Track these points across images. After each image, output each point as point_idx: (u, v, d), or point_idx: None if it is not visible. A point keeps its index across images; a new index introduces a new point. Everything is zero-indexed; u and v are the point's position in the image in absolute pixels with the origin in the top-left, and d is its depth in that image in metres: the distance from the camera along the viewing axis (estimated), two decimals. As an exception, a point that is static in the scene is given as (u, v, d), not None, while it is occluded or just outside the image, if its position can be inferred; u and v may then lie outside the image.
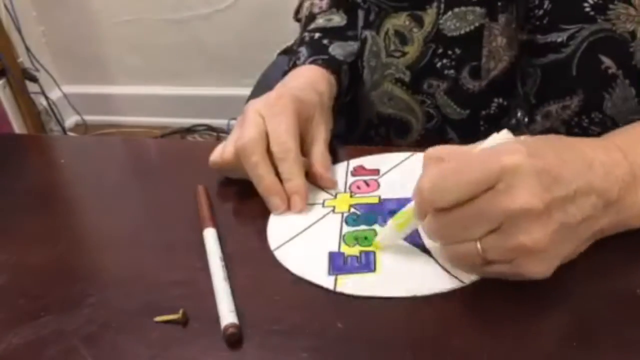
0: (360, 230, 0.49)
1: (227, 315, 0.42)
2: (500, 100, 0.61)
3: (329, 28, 0.72)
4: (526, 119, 0.61)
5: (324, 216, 0.51)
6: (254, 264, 0.47)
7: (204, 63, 2.16)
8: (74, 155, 0.70)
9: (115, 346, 0.42)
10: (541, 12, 0.56)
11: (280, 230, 0.51)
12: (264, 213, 0.53)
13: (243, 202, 0.56)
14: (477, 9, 0.58)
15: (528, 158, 0.38)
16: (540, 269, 0.40)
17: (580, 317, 0.40)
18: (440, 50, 0.61)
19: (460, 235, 0.40)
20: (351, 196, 0.53)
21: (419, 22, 0.62)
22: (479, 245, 0.39)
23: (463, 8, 0.58)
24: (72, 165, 0.68)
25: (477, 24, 0.58)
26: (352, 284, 0.44)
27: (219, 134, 2.19)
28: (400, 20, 0.63)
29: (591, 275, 0.42)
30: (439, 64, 0.62)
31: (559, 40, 0.55)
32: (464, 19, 0.59)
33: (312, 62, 0.66)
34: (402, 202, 0.48)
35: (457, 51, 0.60)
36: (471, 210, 0.39)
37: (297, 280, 0.46)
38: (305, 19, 0.77)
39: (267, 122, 0.54)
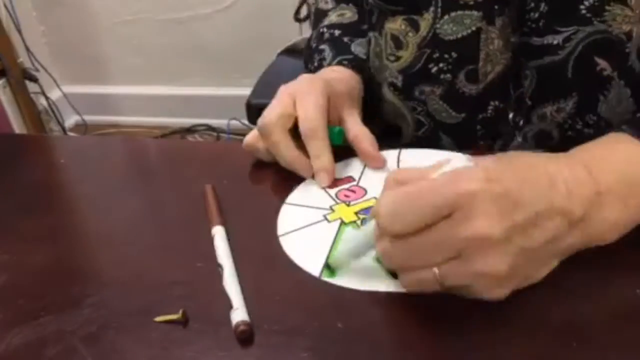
0: None
1: (239, 312, 0.42)
2: (497, 103, 0.61)
3: (345, 24, 0.72)
4: (521, 122, 0.61)
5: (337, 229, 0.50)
6: (253, 264, 0.47)
7: (204, 63, 2.16)
8: (74, 155, 0.70)
9: (115, 346, 0.42)
10: (537, 14, 0.56)
11: (289, 220, 0.51)
12: (264, 213, 0.53)
13: (243, 202, 0.56)
14: (474, 12, 0.58)
15: (486, 183, 0.37)
16: (497, 293, 0.40)
17: (580, 317, 0.40)
18: (436, 55, 0.61)
19: (417, 262, 0.39)
20: (348, 205, 0.53)
21: (415, 26, 0.62)
22: (436, 272, 0.39)
23: (460, 12, 0.59)
24: (72, 165, 0.68)
25: (474, 28, 0.59)
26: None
27: (219, 134, 2.19)
28: (396, 24, 0.63)
29: (591, 275, 0.42)
30: (434, 69, 0.62)
31: (555, 42, 0.56)
32: (461, 23, 0.59)
33: (338, 63, 0.67)
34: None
35: (454, 55, 0.61)
36: (428, 238, 0.38)
37: (297, 281, 0.46)
38: (314, 16, 0.78)
39: (297, 102, 0.55)
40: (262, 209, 0.54)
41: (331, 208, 0.52)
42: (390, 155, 0.58)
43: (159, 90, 2.27)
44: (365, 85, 0.67)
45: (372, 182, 0.55)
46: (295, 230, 0.50)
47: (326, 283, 0.45)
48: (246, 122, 1.17)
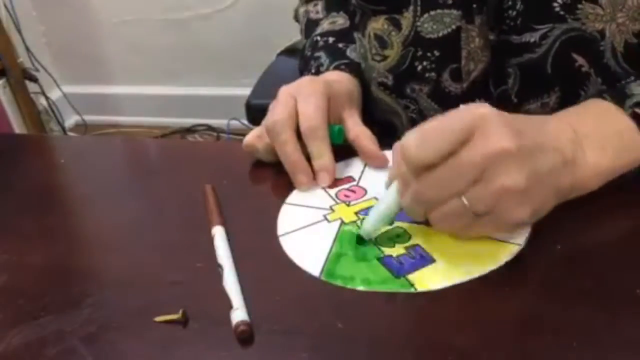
0: (385, 230, 0.48)
1: (239, 313, 0.42)
2: (482, 100, 0.61)
3: (338, 31, 0.73)
4: None
5: (337, 229, 0.50)
6: (253, 264, 0.47)
7: (204, 63, 2.16)
8: (74, 155, 0.70)
9: (115, 346, 0.42)
10: (514, 12, 0.56)
11: (289, 220, 0.52)
12: (264, 213, 0.53)
13: (243, 202, 0.56)
14: (453, 11, 0.58)
15: (494, 110, 0.42)
16: (522, 212, 0.42)
17: (580, 317, 0.40)
18: (420, 53, 0.62)
19: (445, 192, 0.42)
20: (348, 205, 0.53)
21: (397, 25, 0.62)
22: (465, 201, 0.41)
23: (439, 10, 0.59)
24: (72, 165, 0.68)
25: (453, 26, 0.59)
26: (424, 279, 0.44)
27: (219, 134, 2.19)
28: (379, 24, 0.64)
29: (591, 275, 0.42)
30: (419, 67, 0.63)
31: (532, 40, 0.56)
32: (441, 22, 0.59)
33: (335, 68, 0.67)
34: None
35: (437, 53, 0.61)
36: (453, 163, 0.41)
37: (297, 281, 0.46)
38: (306, 27, 0.78)
39: (298, 102, 0.55)
40: (262, 209, 0.54)
41: (331, 208, 0.52)
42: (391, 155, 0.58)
43: (159, 90, 2.27)
44: (363, 89, 0.67)
45: (372, 182, 0.55)
46: (295, 230, 0.50)
47: (326, 283, 0.45)
48: (246, 122, 1.17)
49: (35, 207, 0.59)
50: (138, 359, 0.41)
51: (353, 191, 0.54)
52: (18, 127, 1.91)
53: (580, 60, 0.55)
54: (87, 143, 0.92)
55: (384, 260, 0.46)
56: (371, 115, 0.72)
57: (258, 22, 2.02)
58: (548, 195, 0.44)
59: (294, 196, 0.55)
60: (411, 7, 0.60)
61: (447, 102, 0.63)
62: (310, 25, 0.77)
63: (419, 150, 0.41)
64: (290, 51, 1.22)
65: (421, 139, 0.42)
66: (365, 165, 0.58)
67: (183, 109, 2.25)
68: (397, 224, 0.49)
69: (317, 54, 0.70)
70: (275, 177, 0.58)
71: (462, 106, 0.43)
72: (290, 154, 0.54)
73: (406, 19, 0.61)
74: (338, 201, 0.53)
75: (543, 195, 0.43)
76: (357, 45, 0.69)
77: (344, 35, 0.72)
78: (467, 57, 0.59)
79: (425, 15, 0.60)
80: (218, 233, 0.50)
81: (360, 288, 0.44)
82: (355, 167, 0.57)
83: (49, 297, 0.46)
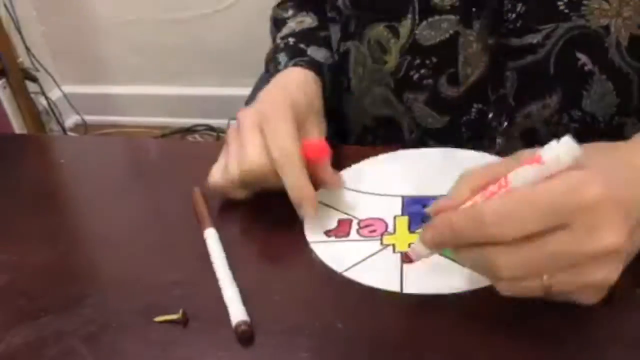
0: None
1: (238, 313, 0.42)
2: (480, 105, 0.61)
3: (299, 31, 0.70)
4: (505, 123, 0.61)
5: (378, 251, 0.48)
6: (252, 264, 0.47)
7: (204, 63, 2.16)
8: (74, 155, 0.70)
9: (115, 346, 0.42)
10: (514, 15, 0.56)
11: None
12: (263, 213, 0.53)
13: (240, 202, 0.56)
14: (451, 17, 0.58)
15: (607, 190, 0.34)
16: (594, 300, 0.37)
17: (579, 317, 0.40)
18: (417, 61, 0.62)
19: (528, 272, 0.36)
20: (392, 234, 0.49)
21: (396, 33, 0.62)
22: (545, 280, 0.36)
23: (437, 17, 0.59)
24: (72, 165, 0.68)
25: (451, 32, 0.59)
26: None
27: (219, 134, 2.19)
28: (378, 31, 0.64)
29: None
30: (415, 76, 0.62)
31: (535, 41, 0.56)
32: (438, 28, 0.59)
33: (294, 65, 0.63)
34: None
35: (434, 59, 0.61)
36: (546, 247, 0.35)
37: (297, 281, 0.46)
38: (274, 27, 0.76)
39: (266, 131, 0.51)
40: (261, 208, 0.54)
41: (381, 242, 0.49)
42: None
43: (159, 90, 2.27)
44: (331, 90, 0.64)
45: (373, 208, 0.52)
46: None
47: (326, 283, 0.45)
48: (246, 122, 1.17)
49: (35, 207, 0.59)
50: (138, 359, 0.41)
51: (371, 224, 0.50)
52: (18, 127, 1.91)
53: (583, 58, 0.55)
54: (87, 143, 0.92)
55: None
56: (357, 120, 0.72)
57: (258, 22, 2.00)
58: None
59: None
60: (409, 15, 0.60)
61: (443, 106, 0.63)
62: (278, 24, 0.75)
63: (506, 225, 0.35)
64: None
65: (508, 210, 0.35)
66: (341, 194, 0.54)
67: (183, 109, 2.24)
68: None
69: (277, 55, 0.67)
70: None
71: (566, 175, 0.35)
72: (294, 187, 0.49)
73: (404, 27, 0.61)
74: (374, 238, 0.49)
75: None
76: (353, 53, 0.68)
77: (307, 37, 0.69)
78: (464, 62, 0.59)
79: (424, 23, 0.60)
80: (210, 235, 0.49)
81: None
82: (331, 212, 0.53)
83: (49, 297, 0.46)
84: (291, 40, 0.69)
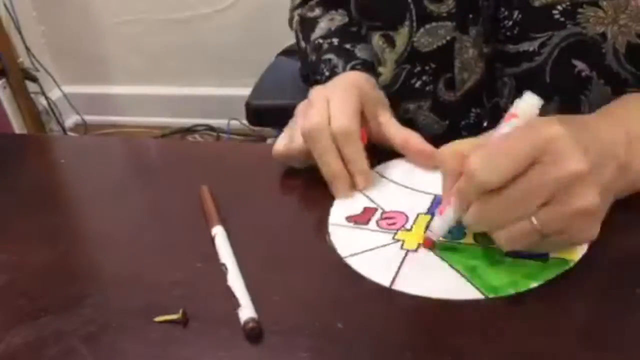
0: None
1: (247, 310, 0.42)
2: (478, 110, 0.61)
3: (337, 30, 0.71)
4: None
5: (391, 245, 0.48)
6: (253, 264, 0.47)
7: (204, 63, 2.16)
8: (74, 155, 0.70)
9: (115, 346, 0.42)
10: (510, 22, 0.56)
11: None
12: (263, 213, 0.53)
13: (242, 201, 0.56)
14: (448, 23, 0.58)
15: (563, 126, 0.40)
16: (593, 230, 0.41)
17: (580, 317, 0.40)
18: (417, 69, 0.62)
19: (513, 214, 0.40)
20: (410, 230, 0.49)
21: (391, 42, 0.62)
22: (534, 221, 0.40)
23: (434, 24, 0.59)
24: (72, 165, 0.68)
25: (448, 38, 0.59)
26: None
27: (219, 134, 2.19)
28: (374, 41, 0.64)
29: (590, 275, 0.42)
30: (417, 84, 0.62)
31: (531, 49, 0.56)
32: (435, 34, 0.59)
33: (352, 68, 0.65)
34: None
35: (432, 65, 0.61)
36: (522, 185, 0.39)
37: (297, 280, 0.46)
38: (302, 26, 0.76)
39: (331, 105, 0.54)
40: (262, 208, 0.54)
41: (394, 238, 0.49)
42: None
43: (159, 90, 2.27)
44: None
45: (394, 200, 0.53)
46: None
47: (325, 283, 0.45)
48: (246, 122, 1.16)
49: (35, 207, 0.59)
50: (138, 359, 0.41)
51: (392, 217, 0.51)
52: (18, 127, 1.91)
53: (580, 65, 0.55)
54: (87, 143, 0.92)
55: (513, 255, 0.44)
56: None
57: (258, 22, 2.02)
58: (608, 204, 0.43)
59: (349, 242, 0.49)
60: (407, 23, 0.60)
61: (443, 111, 0.63)
62: (306, 25, 0.75)
63: (485, 172, 0.40)
64: (290, 51, 1.22)
65: (487, 160, 0.40)
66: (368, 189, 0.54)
67: (183, 109, 2.24)
68: None
69: (326, 57, 0.68)
70: (275, 177, 0.58)
71: (529, 123, 0.42)
72: (329, 162, 0.53)
73: (401, 35, 0.61)
74: (390, 231, 0.49)
75: (605, 209, 0.43)
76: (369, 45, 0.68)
77: (347, 35, 0.70)
78: (460, 67, 0.60)
79: (421, 30, 0.60)
80: (219, 233, 0.50)
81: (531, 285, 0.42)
82: (360, 199, 0.53)
83: (49, 297, 0.46)
84: (335, 40, 0.70)
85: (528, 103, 0.43)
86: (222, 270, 0.46)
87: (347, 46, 0.69)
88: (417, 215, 0.50)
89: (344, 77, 0.63)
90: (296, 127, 0.56)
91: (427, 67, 0.61)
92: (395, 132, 0.57)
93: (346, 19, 0.72)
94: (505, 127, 0.43)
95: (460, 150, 0.44)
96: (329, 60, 0.68)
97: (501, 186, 0.40)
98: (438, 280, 0.43)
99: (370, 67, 0.66)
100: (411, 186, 0.54)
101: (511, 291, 0.42)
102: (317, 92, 0.56)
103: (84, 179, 0.65)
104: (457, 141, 0.45)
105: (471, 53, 0.58)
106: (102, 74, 2.31)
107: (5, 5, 1.97)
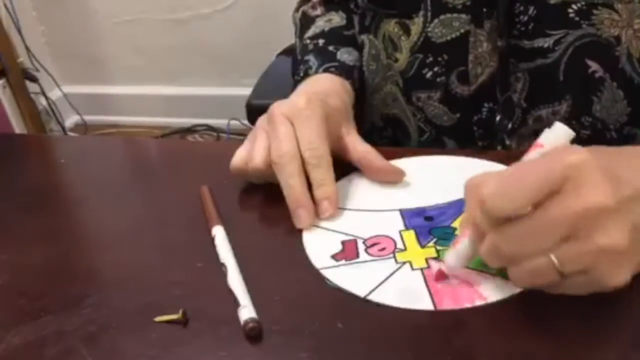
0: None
1: (247, 310, 0.42)
2: (491, 104, 0.61)
3: (329, 31, 0.71)
4: (509, 125, 0.61)
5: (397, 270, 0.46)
6: (253, 264, 0.47)
7: (204, 63, 2.16)
8: (74, 155, 0.70)
9: (115, 346, 0.42)
10: (526, 17, 0.56)
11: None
12: (263, 213, 0.53)
13: (243, 202, 0.56)
14: (463, 16, 0.58)
15: (590, 155, 0.36)
16: (621, 274, 0.36)
17: (579, 318, 0.40)
18: (429, 59, 0.62)
19: (530, 248, 0.37)
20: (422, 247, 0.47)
21: (407, 30, 0.62)
22: (553, 258, 0.36)
23: (449, 15, 0.59)
24: (72, 165, 0.68)
25: (462, 30, 0.59)
26: None
27: (219, 134, 2.19)
28: (390, 26, 0.64)
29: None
30: (429, 74, 0.62)
31: (546, 45, 0.56)
32: (450, 26, 0.59)
33: (325, 71, 0.64)
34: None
35: (445, 57, 0.61)
36: (540, 217, 0.36)
37: (297, 280, 0.46)
38: (301, 22, 0.76)
39: (297, 128, 0.52)
40: (262, 208, 0.54)
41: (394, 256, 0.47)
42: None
43: (159, 90, 2.27)
44: (355, 91, 0.65)
45: (375, 225, 0.50)
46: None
47: (325, 282, 0.45)
48: (246, 122, 1.16)
49: (35, 207, 0.59)
50: (138, 359, 0.41)
51: (378, 243, 0.48)
52: (18, 127, 1.91)
53: (594, 65, 0.55)
54: (87, 143, 0.92)
55: None
56: (365, 116, 0.72)
57: (258, 22, 2.02)
58: None
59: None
60: (422, 12, 0.60)
61: (456, 105, 0.63)
62: (305, 21, 0.75)
63: (497, 199, 0.36)
64: (290, 51, 1.22)
65: (502, 187, 0.37)
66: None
67: (183, 109, 2.25)
68: None
69: (306, 57, 0.68)
70: (275, 177, 0.58)
71: (553, 149, 0.38)
72: (294, 187, 0.50)
73: (416, 25, 0.61)
74: (386, 257, 0.47)
75: None
76: (367, 47, 0.68)
77: (335, 37, 0.70)
78: (474, 60, 0.59)
79: (435, 20, 0.60)
80: (219, 233, 0.50)
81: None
82: (332, 235, 0.50)
83: (49, 297, 0.46)
84: (320, 42, 0.69)
85: (557, 134, 0.39)
86: (222, 270, 0.46)
87: (330, 48, 0.68)
88: (400, 233, 0.49)
89: (312, 82, 0.62)
90: (256, 143, 0.53)
91: (439, 59, 0.61)
92: (352, 146, 0.55)
93: (344, 22, 0.72)
94: (529, 156, 0.40)
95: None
96: (307, 61, 0.67)
97: (517, 217, 0.36)
98: (475, 287, 0.42)
99: (347, 70, 0.65)
100: (372, 208, 0.52)
101: None
102: (278, 111, 0.53)
103: (84, 179, 0.65)
104: (484, 173, 0.41)
105: (485, 47, 0.58)
106: (102, 74, 2.31)
107: (5, 5, 1.97)
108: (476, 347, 0.38)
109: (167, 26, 2.13)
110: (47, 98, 2.12)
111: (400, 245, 0.48)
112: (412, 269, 0.45)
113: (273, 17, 1.95)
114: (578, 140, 0.44)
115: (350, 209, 0.52)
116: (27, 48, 2.05)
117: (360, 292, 0.44)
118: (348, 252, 0.48)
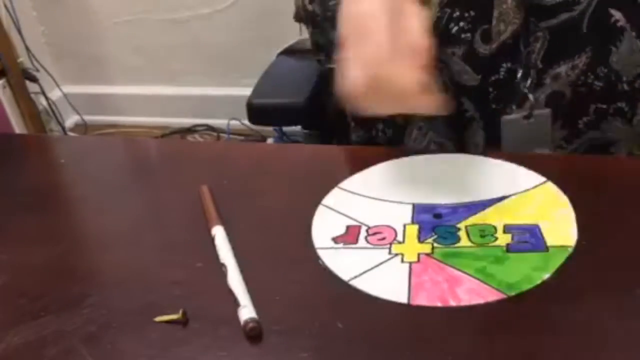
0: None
1: (247, 310, 0.42)
2: (509, 64, 0.62)
3: None
4: (529, 81, 0.61)
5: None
6: (253, 264, 0.47)
7: (204, 63, 2.16)
8: (74, 155, 0.70)
9: (115, 346, 0.42)
10: None
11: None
12: (264, 213, 0.53)
13: (243, 202, 0.56)
14: None
15: None
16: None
17: (580, 317, 0.40)
18: (456, 14, 0.62)
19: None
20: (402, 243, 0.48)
21: None
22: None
23: None
24: (72, 165, 0.68)
25: None
26: None
27: (219, 134, 2.19)
28: None
29: (590, 275, 0.42)
30: (454, 29, 0.62)
31: None
32: None
33: None
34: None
35: (472, 13, 0.61)
36: None
37: (297, 281, 0.46)
38: None
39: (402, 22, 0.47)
40: (262, 208, 0.54)
41: (390, 251, 0.48)
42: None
43: (159, 90, 2.27)
44: None
45: (378, 215, 0.51)
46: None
47: (325, 283, 0.45)
48: (246, 122, 1.16)
49: (35, 207, 0.59)
50: (138, 359, 0.41)
51: (380, 232, 0.49)
52: (18, 127, 1.91)
53: (617, 14, 0.56)
54: (87, 143, 0.92)
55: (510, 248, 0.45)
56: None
57: (258, 22, 2.01)
58: None
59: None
60: None
61: (478, 63, 0.63)
62: None
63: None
64: (290, 51, 1.22)
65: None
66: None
67: (183, 109, 2.24)
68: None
69: None
70: (276, 177, 0.58)
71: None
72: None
73: None
74: (383, 247, 0.48)
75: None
76: None
77: None
78: (498, 17, 0.60)
79: None
80: (219, 233, 0.50)
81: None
82: (340, 218, 0.52)
83: (49, 297, 0.46)
84: None
85: None
86: (222, 270, 0.46)
87: None
88: (404, 226, 0.49)
89: None
90: (354, 59, 0.46)
91: (466, 14, 0.61)
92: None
93: None
94: None
95: None
96: None
97: None
98: (455, 288, 0.43)
99: None
100: (387, 198, 0.53)
101: (528, 286, 0.41)
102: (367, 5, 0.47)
103: (84, 179, 0.65)
104: None
105: (510, 3, 0.59)
106: (102, 74, 2.31)
107: (5, 5, 1.97)
108: (476, 347, 0.38)
109: (167, 26, 2.12)
110: (47, 98, 2.12)
111: (399, 237, 0.48)
112: (402, 261, 0.46)
113: (273, 17, 1.95)
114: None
115: (366, 196, 0.54)
116: (27, 48, 2.05)
117: (345, 276, 0.45)
118: (349, 236, 0.49)
